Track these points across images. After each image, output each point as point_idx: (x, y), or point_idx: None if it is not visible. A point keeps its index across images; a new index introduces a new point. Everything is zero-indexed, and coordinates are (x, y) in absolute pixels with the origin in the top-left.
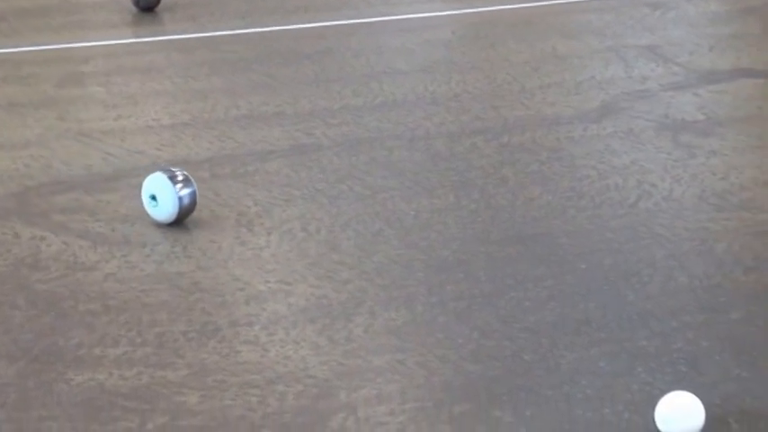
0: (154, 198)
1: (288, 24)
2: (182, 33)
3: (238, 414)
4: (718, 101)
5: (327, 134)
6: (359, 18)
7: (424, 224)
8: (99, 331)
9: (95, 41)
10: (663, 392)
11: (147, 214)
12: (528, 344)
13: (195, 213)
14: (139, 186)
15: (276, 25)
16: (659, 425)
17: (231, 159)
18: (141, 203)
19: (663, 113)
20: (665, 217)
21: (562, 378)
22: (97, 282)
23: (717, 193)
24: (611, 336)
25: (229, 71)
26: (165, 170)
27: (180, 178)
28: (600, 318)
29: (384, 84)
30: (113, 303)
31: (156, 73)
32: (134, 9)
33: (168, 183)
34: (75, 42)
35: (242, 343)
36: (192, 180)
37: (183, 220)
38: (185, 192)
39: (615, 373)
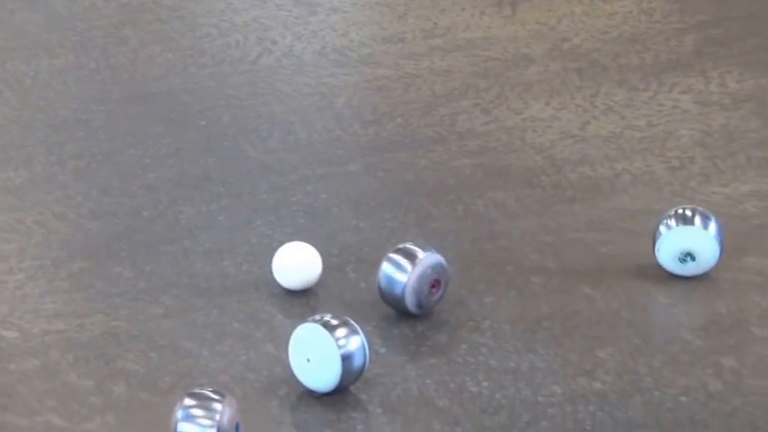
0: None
1: None
2: None
3: None
4: None
5: None
6: None
7: (44, 84)
8: None
9: None
10: (281, 244)
11: None
12: (147, 201)
13: None
14: None
15: None
16: (276, 275)
17: None
18: None
19: None
20: (286, 73)
21: (181, 233)
22: None
23: (337, 48)
24: (230, 190)
25: None
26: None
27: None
28: (220, 173)
29: None
30: None
31: None
32: None
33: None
34: None
35: None
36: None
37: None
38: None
39: (234, 226)
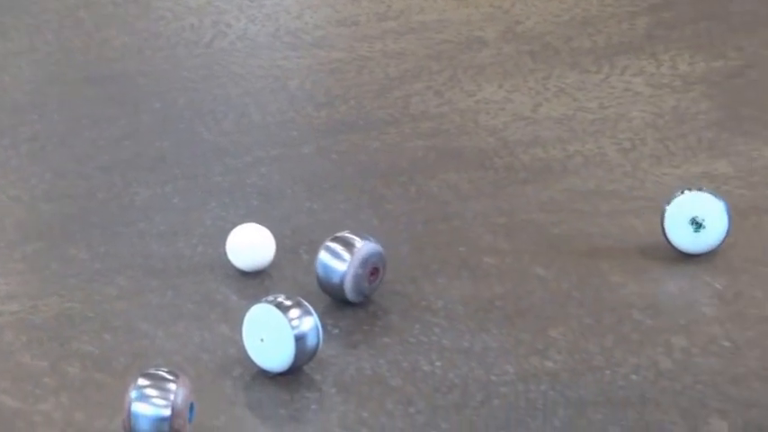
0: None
1: None
2: None
3: None
4: None
5: None
6: None
7: None
8: None
9: None
10: (235, 225)
11: None
12: (102, 183)
13: None
14: None
15: None
16: (230, 257)
17: None
18: None
19: None
20: (240, 56)
21: (136, 215)
22: None
23: (291, 31)
24: (185, 172)
25: None
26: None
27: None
28: (175, 155)
29: None
30: None
31: None
32: None
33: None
34: None
35: None
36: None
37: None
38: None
39: (189, 208)
